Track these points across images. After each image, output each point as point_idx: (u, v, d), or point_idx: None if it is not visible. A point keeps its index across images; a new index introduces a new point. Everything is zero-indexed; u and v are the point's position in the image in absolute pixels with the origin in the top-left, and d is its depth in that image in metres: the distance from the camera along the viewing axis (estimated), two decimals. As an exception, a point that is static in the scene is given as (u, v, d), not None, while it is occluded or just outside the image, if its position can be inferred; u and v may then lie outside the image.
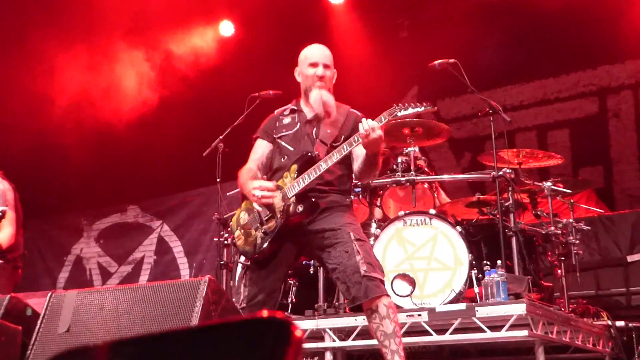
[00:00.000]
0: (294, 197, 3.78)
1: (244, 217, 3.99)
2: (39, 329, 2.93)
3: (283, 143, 4.02)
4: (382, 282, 3.66)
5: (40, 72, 8.66)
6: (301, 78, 4.09)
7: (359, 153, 3.87)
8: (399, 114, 3.76)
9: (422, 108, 3.76)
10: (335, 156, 3.76)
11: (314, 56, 4.05)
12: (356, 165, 3.94)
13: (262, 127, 4.18)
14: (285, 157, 3.97)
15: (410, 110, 3.77)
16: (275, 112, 4.23)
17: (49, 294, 3.05)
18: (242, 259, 4.98)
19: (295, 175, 3.82)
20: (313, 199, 3.78)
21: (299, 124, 4.04)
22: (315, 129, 4.00)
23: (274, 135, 4.07)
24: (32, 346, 2.87)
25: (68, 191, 11.16)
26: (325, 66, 4.02)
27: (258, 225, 3.87)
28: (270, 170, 4.07)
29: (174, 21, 9.33)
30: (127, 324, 2.72)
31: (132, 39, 8.87)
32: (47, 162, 10.51)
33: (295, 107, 4.13)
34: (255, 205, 3.91)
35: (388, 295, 3.66)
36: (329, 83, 4.05)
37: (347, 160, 3.95)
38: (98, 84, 9.00)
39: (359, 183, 5.46)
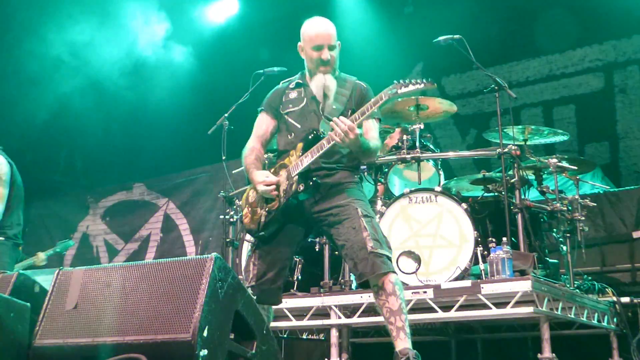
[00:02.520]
0: (296, 176, 3.78)
1: (252, 194, 4.00)
2: (46, 305, 2.94)
3: (290, 120, 3.97)
4: (389, 258, 3.66)
5: (44, 50, 8.65)
6: (305, 56, 4.01)
7: None
8: (400, 92, 3.70)
9: (422, 85, 3.70)
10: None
11: (319, 38, 3.91)
12: None
13: (267, 101, 4.11)
14: (292, 134, 3.94)
15: (411, 88, 3.72)
16: (281, 83, 4.16)
17: (56, 271, 3.05)
18: (249, 236, 4.98)
19: (301, 154, 3.81)
20: (315, 180, 3.76)
21: (305, 100, 3.98)
22: (321, 105, 3.94)
23: (281, 111, 4.02)
24: (40, 322, 2.89)
25: (74, 169, 11.21)
26: (330, 47, 3.91)
27: (263, 203, 3.89)
28: (277, 147, 4.06)
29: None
30: (133, 301, 2.73)
31: (140, 11, 8.86)
32: (53, 140, 10.54)
33: (301, 81, 4.06)
34: None
35: (394, 272, 3.66)
36: (334, 63, 3.96)
37: None
38: (102, 62, 8.99)
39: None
